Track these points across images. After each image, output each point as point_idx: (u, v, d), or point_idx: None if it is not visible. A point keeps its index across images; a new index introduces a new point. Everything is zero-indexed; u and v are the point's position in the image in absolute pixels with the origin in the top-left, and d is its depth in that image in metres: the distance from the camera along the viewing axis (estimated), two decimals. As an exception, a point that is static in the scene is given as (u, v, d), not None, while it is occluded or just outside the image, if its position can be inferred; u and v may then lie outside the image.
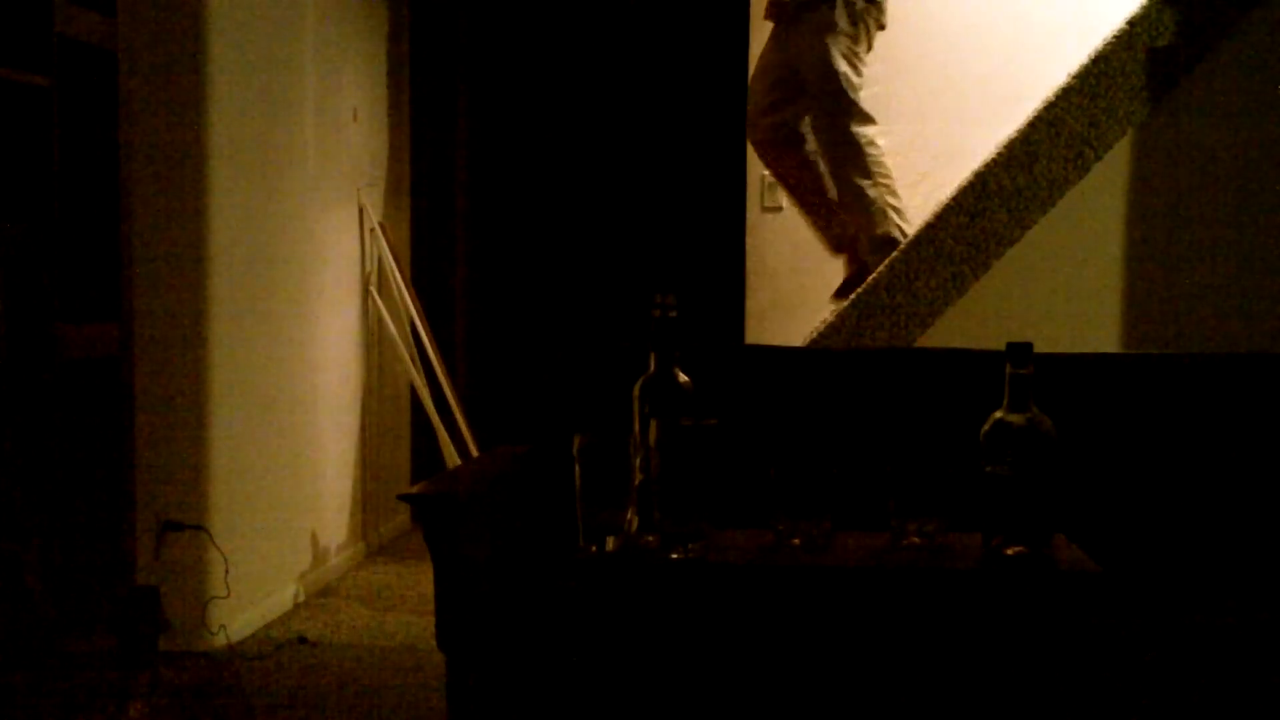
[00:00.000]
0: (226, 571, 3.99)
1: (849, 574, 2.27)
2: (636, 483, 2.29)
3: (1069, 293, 5.09)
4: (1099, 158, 5.04)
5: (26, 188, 3.33)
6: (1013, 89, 5.07)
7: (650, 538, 2.27)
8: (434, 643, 2.63)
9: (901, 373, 3.01)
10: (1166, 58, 4.97)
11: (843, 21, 4.98)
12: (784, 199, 5.24)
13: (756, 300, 5.26)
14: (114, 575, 3.90)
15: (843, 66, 4.97)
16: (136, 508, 3.88)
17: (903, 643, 2.39)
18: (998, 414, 2.28)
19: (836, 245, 5.23)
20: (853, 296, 5.02)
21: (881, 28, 5.05)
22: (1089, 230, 5.07)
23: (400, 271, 5.53)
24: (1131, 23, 4.97)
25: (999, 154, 5.04)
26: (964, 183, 5.07)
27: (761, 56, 5.12)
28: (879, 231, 5.11)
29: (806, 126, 5.05)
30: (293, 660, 4.00)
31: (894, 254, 4.90)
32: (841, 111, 4.97)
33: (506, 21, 6.54)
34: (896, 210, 5.11)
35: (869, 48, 5.04)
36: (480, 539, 2.64)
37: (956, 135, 5.12)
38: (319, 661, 4.00)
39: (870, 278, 4.92)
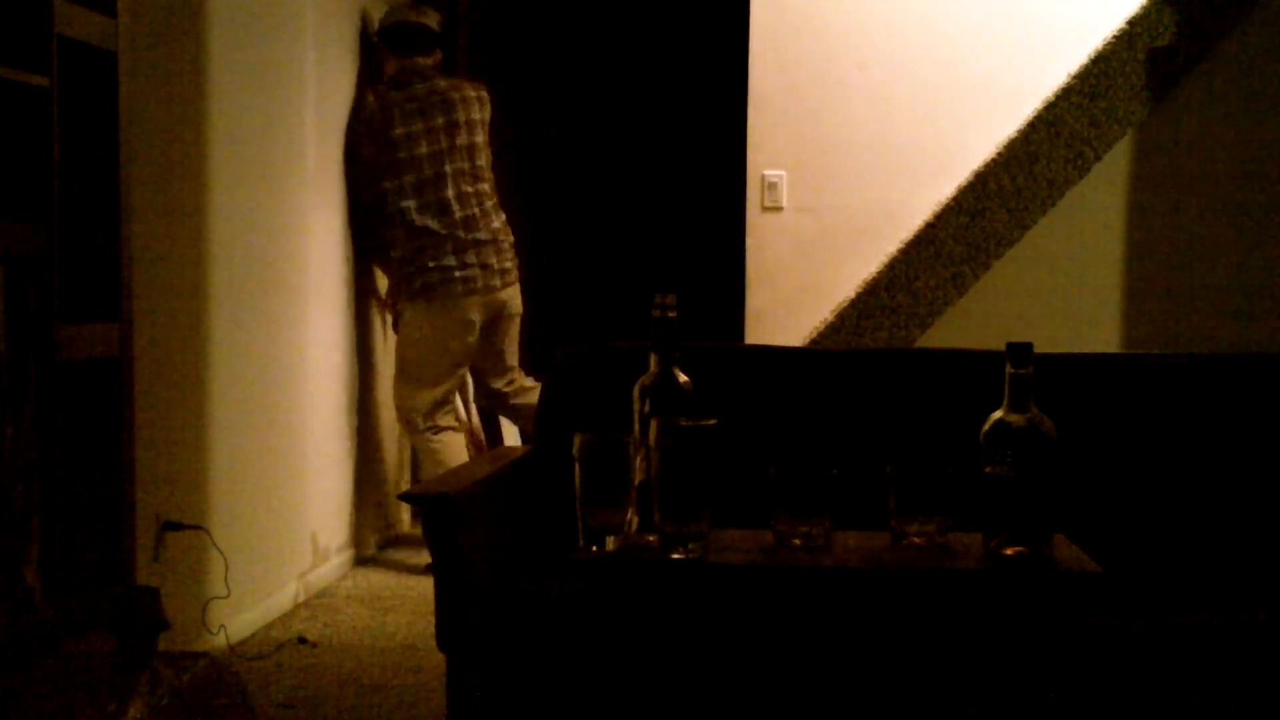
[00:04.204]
0: (226, 571, 3.99)
1: (849, 574, 2.27)
2: (636, 483, 2.29)
3: (1069, 293, 5.09)
4: (1099, 158, 5.04)
5: (26, 188, 3.33)
6: (1013, 89, 5.07)
7: (650, 538, 2.27)
8: (434, 643, 2.63)
9: (901, 373, 3.01)
10: (1166, 58, 4.97)
11: None
12: (784, 199, 5.24)
13: (756, 300, 5.27)
14: (114, 575, 3.90)
15: None
16: (136, 508, 3.88)
17: (903, 643, 2.39)
18: (998, 414, 2.28)
19: None
20: (853, 296, 5.02)
21: None
22: (1089, 230, 5.08)
23: (400, 271, 5.53)
24: (1131, 23, 4.97)
25: (999, 154, 5.05)
26: (964, 183, 5.08)
27: None
28: None
29: None
30: (293, 660, 4.00)
31: (894, 254, 4.91)
32: None
33: (505, 22, 6.55)
34: None
35: None
36: (480, 539, 2.64)
37: (954, 137, 5.11)
38: (319, 661, 4.00)
39: (870, 278, 4.92)
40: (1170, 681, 2.39)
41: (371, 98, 5.15)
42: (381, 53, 5.23)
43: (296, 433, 4.68)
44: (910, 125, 5.15)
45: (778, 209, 5.27)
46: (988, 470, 2.26)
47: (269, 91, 4.45)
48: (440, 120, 5.08)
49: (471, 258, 5.06)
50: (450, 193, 5.06)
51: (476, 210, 5.12)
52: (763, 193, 5.28)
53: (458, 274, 5.05)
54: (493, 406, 5.46)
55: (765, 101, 5.22)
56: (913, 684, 2.40)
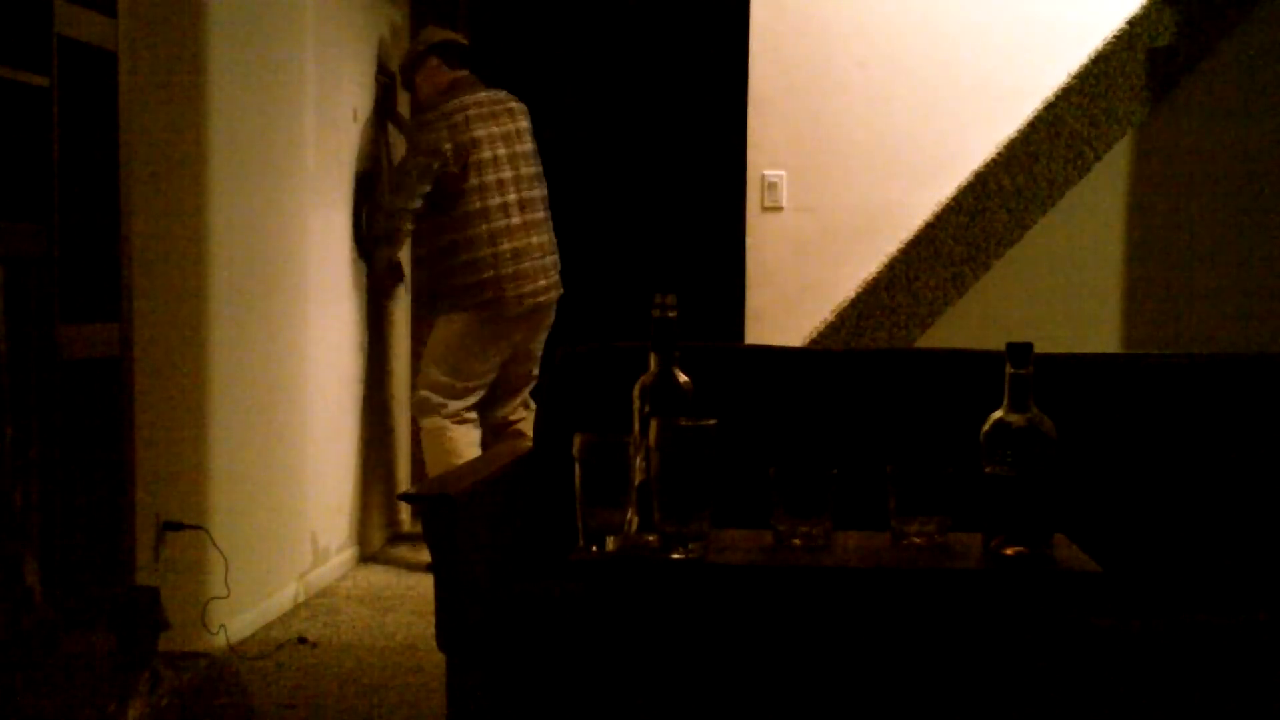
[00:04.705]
0: (227, 571, 3.99)
1: (849, 574, 2.27)
2: (636, 483, 2.29)
3: (1069, 293, 5.09)
4: (1099, 158, 5.04)
5: (26, 188, 3.33)
6: (1013, 89, 5.07)
7: (650, 538, 2.27)
8: (434, 643, 2.63)
9: (901, 373, 3.01)
10: (1166, 58, 4.97)
11: None
12: (784, 199, 5.25)
13: (756, 300, 5.27)
14: (114, 575, 3.90)
15: None
16: (136, 508, 3.88)
17: (903, 643, 2.39)
18: (998, 414, 2.28)
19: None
20: (853, 296, 5.02)
21: None
22: (1089, 230, 5.08)
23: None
24: (1131, 23, 4.98)
25: (999, 154, 5.05)
26: (964, 183, 5.08)
27: None
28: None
29: None
30: (293, 660, 4.00)
31: (894, 254, 4.91)
32: None
33: (505, 23, 6.55)
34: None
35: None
36: (480, 539, 2.64)
37: (954, 137, 5.12)
38: (319, 661, 4.00)
39: (870, 278, 4.92)
40: (1170, 681, 2.39)
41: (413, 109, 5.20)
42: (427, 67, 5.22)
43: (297, 432, 4.68)
44: (910, 125, 5.15)
45: (778, 209, 5.27)
46: (988, 470, 2.26)
47: (269, 91, 4.45)
48: (510, 125, 5.14)
49: (536, 265, 5.09)
50: (531, 194, 5.13)
51: (542, 213, 5.18)
52: (763, 193, 5.28)
53: (528, 286, 5.05)
54: (488, 432, 5.34)
55: (765, 101, 5.22)
56: (913, 684, 2.40)
